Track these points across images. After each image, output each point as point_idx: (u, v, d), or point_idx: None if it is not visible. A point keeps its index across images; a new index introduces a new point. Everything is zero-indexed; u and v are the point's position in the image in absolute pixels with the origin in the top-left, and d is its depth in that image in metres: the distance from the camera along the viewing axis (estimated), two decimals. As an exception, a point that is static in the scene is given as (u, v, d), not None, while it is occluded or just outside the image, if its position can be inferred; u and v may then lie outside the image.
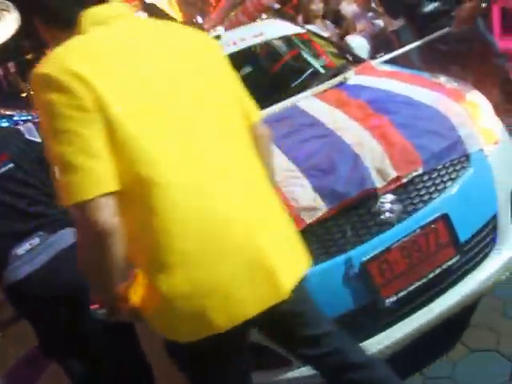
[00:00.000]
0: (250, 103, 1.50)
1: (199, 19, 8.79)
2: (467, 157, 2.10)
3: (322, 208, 1.92)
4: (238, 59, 3.43)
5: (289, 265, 1.36)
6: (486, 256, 2.12)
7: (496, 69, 3.24)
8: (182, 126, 1.30)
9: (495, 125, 2.31)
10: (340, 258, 1.89)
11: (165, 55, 1.34)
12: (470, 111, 2.24)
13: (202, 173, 1.29)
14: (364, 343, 1.94)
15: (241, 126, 1.43)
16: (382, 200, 1.95)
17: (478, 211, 2.08)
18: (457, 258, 1.99)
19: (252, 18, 5.44)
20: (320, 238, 1.92)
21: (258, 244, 1.30)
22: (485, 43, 3.57)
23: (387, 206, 1.94)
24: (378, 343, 1.94)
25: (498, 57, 3.69)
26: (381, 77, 2.62)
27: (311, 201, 1.93)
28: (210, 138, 1.33)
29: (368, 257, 1.88)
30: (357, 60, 3.15)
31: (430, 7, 3.08)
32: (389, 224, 1.94)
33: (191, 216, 1.25)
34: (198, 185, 1.27)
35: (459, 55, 3.42)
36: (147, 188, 1.23)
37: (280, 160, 2.08)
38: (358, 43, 3.37)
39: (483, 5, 2.88)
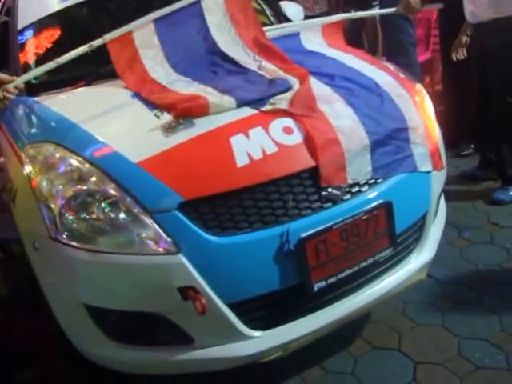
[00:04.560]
0: None
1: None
2: None
3: None
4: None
5: None
6: (410, 253, 2.02)
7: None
8: None
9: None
10: (277, 229, 1.64)
11: None
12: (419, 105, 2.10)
13: None
14: (282, 328, 1.73)
15: None
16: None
17: (414, 205, 1.97)
18: (390, 250, 1.85)
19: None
20: (258, 202, 1.65)
21: None
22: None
23: (333, 181, 1.74)
24: (298, 330, 1.74)
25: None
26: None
27: None
28: None
29: (307, 233, 1.66)
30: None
31: None
32: (332, 201, 1.73)
33: None
34: None
35: None
36: None
37: None
38: (293, 10, 3.14)
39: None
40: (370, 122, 1.85)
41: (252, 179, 1.65)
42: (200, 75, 2.09)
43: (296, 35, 2.43)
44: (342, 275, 1.76)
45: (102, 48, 2.13)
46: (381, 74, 2.13)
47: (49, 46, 2.66)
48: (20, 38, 2.57)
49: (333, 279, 1.74)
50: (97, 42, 2.10)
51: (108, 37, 2.12)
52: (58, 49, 2.60)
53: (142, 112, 1.90)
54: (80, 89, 2.23)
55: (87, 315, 1.70)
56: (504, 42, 2.90)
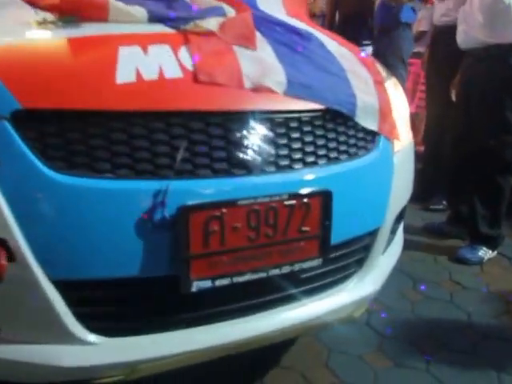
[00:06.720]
0: None
1: None
2: (374, 139, 1.47)
3: None
4: None
5: None
6: (347, 277, 1.49)
7: None
8: None
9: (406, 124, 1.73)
10: (152, 184, 1.09)
11: None
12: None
13: None
14: (135, 339, 1.17)
15: None
16: (252, 129, 1.21)
17: (364, 213, 1.44)
18: (317, 261, 1.31)
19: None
20: (133, 139, 1.11)
21: None
22: None
23: (256, 142, 1.21)
24: (157, 347, 1.18)
25: None
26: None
27: None
28: None
29: (196, 202, 1.11)
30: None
31: None
32: (245, 168, 1.20)
33: None
34: None
35: None
36: None
37: None
38: None
39: None
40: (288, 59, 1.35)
41: (132, 104, 1.11)
42: None
43: None
44: (240, 279, 1.20)
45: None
46: (343, 51, 1.59)
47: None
48: None
49: (224, 281, 1.18)
50: None
51: None
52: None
53: (19, 7, 1.37)
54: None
55: None
56: (492, 72, 2.58)
